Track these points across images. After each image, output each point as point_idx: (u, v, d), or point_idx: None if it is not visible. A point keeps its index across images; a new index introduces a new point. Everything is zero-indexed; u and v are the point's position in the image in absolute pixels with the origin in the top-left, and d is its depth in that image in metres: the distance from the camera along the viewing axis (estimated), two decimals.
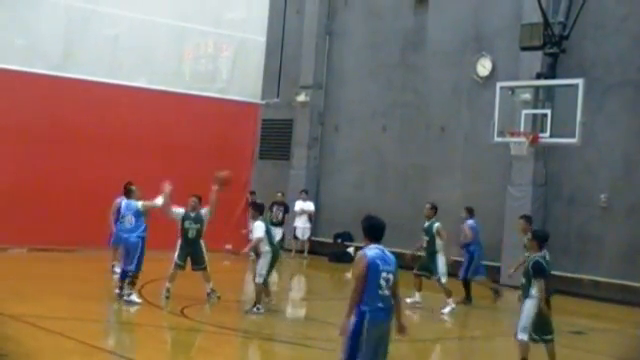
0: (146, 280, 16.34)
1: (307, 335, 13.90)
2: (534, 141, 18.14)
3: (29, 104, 20.99)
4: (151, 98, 23.03)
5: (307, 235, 25.30)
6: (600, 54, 20.52)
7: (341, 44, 26.95)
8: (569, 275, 20.03)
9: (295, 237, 25.37)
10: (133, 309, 14.23)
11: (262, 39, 25.25)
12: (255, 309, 14.71)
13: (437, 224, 16.80)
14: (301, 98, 27.10)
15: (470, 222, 17.88)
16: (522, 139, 18.18)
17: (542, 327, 11.25)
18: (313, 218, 25.43)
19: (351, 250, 17.60)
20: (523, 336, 11.16)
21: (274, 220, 24.75)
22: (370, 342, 8.27)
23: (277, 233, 24.73)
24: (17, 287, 15.34)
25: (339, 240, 25.29)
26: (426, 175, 23.84)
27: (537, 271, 11.11)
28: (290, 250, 25.45)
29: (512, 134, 18.45)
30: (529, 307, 11.10)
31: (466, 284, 17.63)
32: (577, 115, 17.16)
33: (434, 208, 17.12)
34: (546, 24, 19.05)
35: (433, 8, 24.31)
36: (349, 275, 17.08)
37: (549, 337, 11.42)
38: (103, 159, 21.68)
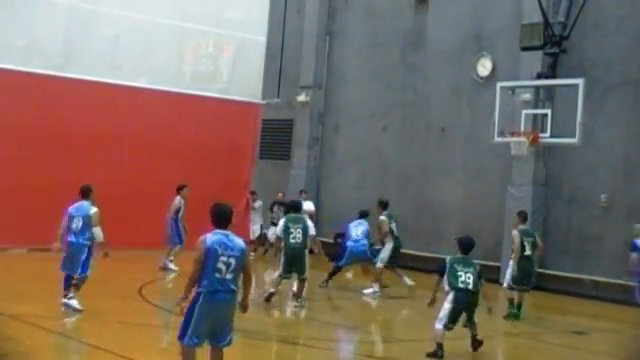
0: (146, 280, 16.36)
1: (308, 335, 13.92)
2: (534, 141, 18.13)
3: (29, 104, 20.97)
4: (152, 98, 23.02)
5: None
6: (600, 54, 20.51)
7: (341, 44, 26.94)
8: (569, 275, 20.06)
9: None
10: (136, 309, 14.21)
11: (262, 39, 25.24)
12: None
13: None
14: (301, 98, 27.10)
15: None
16: (522, 139, 18.17)
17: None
18: (313, 218, 25.40)
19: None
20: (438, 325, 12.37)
21: (274, 220, 24.75)
22: (202, 319, 8.67)
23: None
24: (17, 287, 15.35)
25: (339, 240, 25.25)
26: (427, 175, 23.83)
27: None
28: None
29: (512, 134, 18.44)
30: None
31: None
32: (577, 115, 17.16)
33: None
34: (546, 24, 19.05)
35: (433, 8, 24.31)
36: (349, 275, 17.08)
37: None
38: (103, 159, 21.65)
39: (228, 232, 8.89)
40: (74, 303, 13.40)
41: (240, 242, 8.87)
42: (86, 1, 22.38)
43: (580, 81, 17.41)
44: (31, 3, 21.65)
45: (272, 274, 23.22)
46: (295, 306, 16.24)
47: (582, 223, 20.27)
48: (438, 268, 12.71)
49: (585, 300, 18.78)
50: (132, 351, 11.05)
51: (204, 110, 23.92)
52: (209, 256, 8.70)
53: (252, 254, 24.10)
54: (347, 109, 26.49)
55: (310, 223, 16.44)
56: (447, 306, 12.36)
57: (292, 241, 16.29)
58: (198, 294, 8.73)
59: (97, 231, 13.57)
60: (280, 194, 25.05)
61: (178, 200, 19.48)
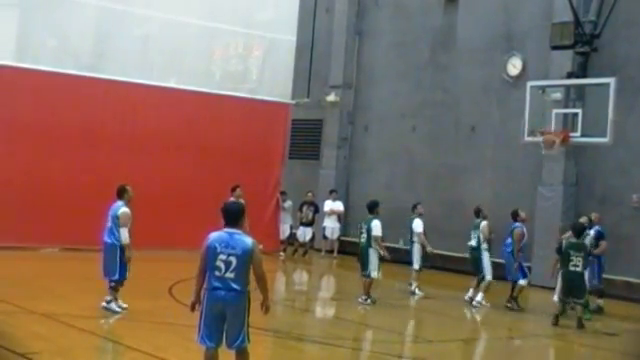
0: (176, 280, 16.44)
1: (337, 335, 13.92)
2: (565, 140, 18.04)
3: (60, 104, 21.13)
4: (181, 98, 23.10)
5: (336, 235, 25.30)
6: (632, 53, 20.36)
7: (371, 43, 26.93)
8: (602, 275, 19.92)
9: (324, 237, 25.39)
10: (166, 309, 14.29)
11: (292, 39, 25.25)
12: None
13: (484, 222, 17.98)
14: (331, 98, 27.11)
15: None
16: (553, 138, 18.09)
17: None
18: (342, 218, 25.43)
19: (385, 251, 17.66)
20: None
21: (304, 220, 24.82)
22: (208, 318, 8.77)
23: (307, 233, 24.85)
24: (49, 286, 15.47)
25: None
26: (456, 175, 23.77)
27: None
28: (320, 250, 25.50)
29: (543, 133, 18.35)
30: None
31: None
32: (608, 114, 17.05)
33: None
34: (577, 23, 18.95)
35: (463, 6, 24.24)
36: (376, 274, 17.03)
37: None
38: (134, 159, 21.76)
39: (235, 231, 8.84)
40: (113, 306, 13.41)
41: (246, 242, 8.77)
42: (116, 1, 22.52)
43: (611, 80, 17.30)
44: (62, 4, 21.83)
45: (301, 274, 23.42)
46: (360, 303, 16.51)
47: (614, 223, 20.08)
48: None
49: (617, 301, 18.64)
50: (163, 350, 11.11)
51: (234, 110, 23.97)
52: (209, 254, 8.75)
53: (282, 254, 24.21)
54: (376, 109, 26.47)
55: (375, 223, 16.49)
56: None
57: (360, 241, 16.96)
58: (205, 291, 8.81)
59: (123, 232, 13.45)
60: (309, 194, 25.10)
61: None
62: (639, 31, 20.32)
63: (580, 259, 15.41)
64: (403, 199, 23.76)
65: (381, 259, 16.80)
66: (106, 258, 13.58)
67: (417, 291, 18.35)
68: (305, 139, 28.38)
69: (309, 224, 24.87)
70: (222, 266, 8.70)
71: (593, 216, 17.77)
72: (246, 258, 8.73)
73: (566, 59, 20.20)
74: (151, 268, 18.05)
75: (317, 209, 24.98)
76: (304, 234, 24.84)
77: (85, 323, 12.57)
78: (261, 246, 24.98)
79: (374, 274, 16.58)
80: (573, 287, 15.47)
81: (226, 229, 8.89)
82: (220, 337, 8.82)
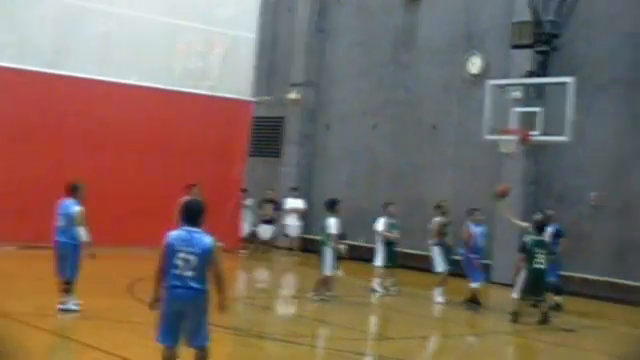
0: (136, 278, 16.33)
1: (298, 332, 13.91)
2: (525, 139, 18.16)
3: (19, 101, 20.93)
4: (142, 95, 22.98)
5: (298, 233, 25.31)
6: (591, 52, 20.56)
7: (332, 42, 26.95)
8: (559, 273, 20.08)
9: (285, 235, 25.39)
10: (127, 307, 14.19)
11: (253, 36, 25.18)
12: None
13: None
14: (292, 96, 27.10)
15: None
16: (512, 137, 18.20)
17: None
18: (304, 216, 25.44)
19: (342, 247, 17.67)
20: None
21: (265, 217, 24.80)
22: (167, 317, 8.71)
23: (268, 230, 24.84)
24: (7, 285, 15.31)
25: None
26: (418, 173, 23.87)
27: None
28: (281, 248, 25.50)
29: (503, 132, 18.46)
30: None
31: None
32: (567, 113, 17.18)
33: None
34: (537, 22, 19.08)
35: (424, 6, 24.34)
36: (340, 273, 17.08)
37: None
38: (93, 157, 21.62)
39: (195, 229, 8.79)
40: (71, 306, 13.18)
41: (206, 240, 8.74)
42: None
43: (570, 79, 17.43)
44: (22, 0, 21.58)
45: (262, 272, 23.40)
46: (312, 299, 16.59)
47: (572, 221, 20.27)
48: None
49: (575, 298, 18.81)
50: (123, 349, 11.04)
51: (195, 107, 23.88)
52: (168, 252, 8.69)
53: (243, 252, 24.17)
54: (338, 107, 26.50)
55: (331, 221, 16.49)
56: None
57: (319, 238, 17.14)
58: (164, 289, 8.74)
59: (81, 231, 13.18)
60: (270, 192, 25.08)
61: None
62: (598, 31, 20.54)
63: (544, 256, 15.55)
64: (365, 197, 23.87)
65: (338, 257, 16.83)
66: (61, 257, 13.25)
67: (377, 287, 18.46)
68: (266, 137, 28.36)
69: (270, 222, 24.86)
70: (181, 264, 8.64)
71: (549, 213, 17.91)
72: (206, 257, 8.69)
73: (526, 58, 20.35)
74: (111, 266, 17.92)
75: (278, 206, 24.98)
76: (265, 232, 24.83)
77: (44, 322, 12.46)
78: (222, 244, 25.03)
79: (326, 271, 16.57)
80: (537, 284, 15.58)
81: (186, 227, 8.84)
82: (178, 336, 8.77)
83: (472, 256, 17.38)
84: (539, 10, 19.38)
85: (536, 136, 18.05)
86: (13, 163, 20.70)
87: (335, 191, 23.27)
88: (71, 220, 13.21)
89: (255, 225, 24.99)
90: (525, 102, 18.95)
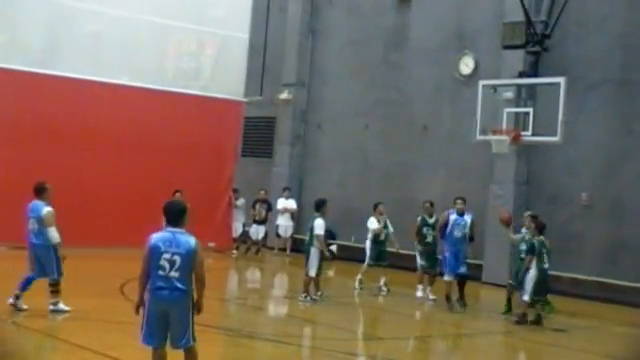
0: (127, 278, 16.30)
1: (288, 332, 13.92)
2: (516, 139, 18.18)
3: (10, 101, 20.90)
4: (133, 95, 22.96)
5: (289, 233, 25.28)
6: (582, 53, 20.60)
7: (324, 42, 26.95)
8: (550, 273, 20.11)
9: (278, 235, 25.37)
10: (116, 307, 14.16)
11: (245, 37, 25.19)
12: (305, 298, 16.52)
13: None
14: (284, 96, 27.09)
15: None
16: (504, 137, 18.22)
17: None
18: (295, 216, 25.42)
19: (334, 248, 17.68)
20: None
21: (256, 218, 24.78)
22: (151, 318, 8.72)
23: (260, 231, 24.81)
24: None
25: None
26: (409, 173, 23.88)
27: None
28: (272, 248, 25.48)
29: (494, 132, 18.48)
30: None
31: None
32: (559, 113, 17.19)
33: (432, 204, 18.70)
34: (528, 23, 19.09)
35: (416, 6, 24.35)
36: (331, 273, 17.10)
37: None
38: (84, 156, 21.60)
39: (178, 230, 8.84)
40: (61, 306, 13.13)
41: (189, 241, 8.78)
42: None
43: (562, 79, 17.45)
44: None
45: (254, 272, 23.39)
46: (299, 301, 16.57)
47: (563, 221, 20.33)
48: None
49: (565, 298, 18.85)
50: (114, 349, 11.03)
51: (186, 107, 23.87)
52: (153, 254, 8.70)
53: (235, 252, 24.17)
54: (330, 107, 26.50)
55: (317, 222, 16.49)
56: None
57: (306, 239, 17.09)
58: (148, 291, 8.75)
59: (51, 232, 13.06)
60: (262, 192, 25.07)
61: None
62: (589, 31, 20.58)
63: (548, 257, 15.66)
64: (356, 197, 23.87)
65: (323, 258, 16.83)
66: (39, 259, 13.14)
67: (357, 285, 18.63)
68: (258, 137, 28.35)
69: (262, 222, 24.84)
70: (166, 265, 8.67)
71: (528, 214, 17.86)
72: (190, 257, 8.73)
73: (517, 58, 20.35)
74: (102, 266, 17.91)
75: (270, 207, 24.95)
76: (257, 232, 24.80)
77: (34, 322, 12.44)
78: (213, 244, 25.14)
79: (312, 272, 16.52)
80: (545, 284, 15.71)
81: (169, 229, 8.86)
82: (163, 337, 8.78)
83: (444, 245, 17.42)
84: (530, 10, 19.40)
85: (527, 136, 18.07)
86: (3, 163, 20.63)
87: (326, 191, 23.32)
88: (42, 222, 13.08)
89: (247, 225, 24.97)
90: (516, 102, 18.99)
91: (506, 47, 19.85)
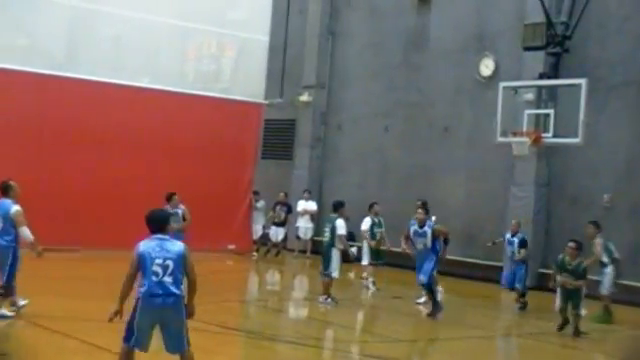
0: None
1: (309, 335, 13.91)
2: (537, 141, 18.11)
3: (31, 104, 20.99)
4: (154, 98, 23.02)
5: (310, 235, 25.27)
6: (603, 54, 20.49)
7: (344, 44, 26.95)
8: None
9: (298, 237, 25.37)
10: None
11: (265, 39, 25.22)
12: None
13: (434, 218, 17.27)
14: (304, 98, 27.11)
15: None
16: (525, 139, 18.16)
17: None
18: (316, 218, 25.41)
19: (354, 250, 17.67)
20: None
21: (276, 220, 24.80)
22: (142, 324, 8.71)
23: (279, 233, 24.85)
24: (18, 287, 15.32)
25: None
26: (429, 175, 23.82)
27: None
28: (292, 250, 25.48)
29: (515, 134, 18.42)
30: None
31: None
32: (580, 115, 17.13)
33: (425, 205, 17.59)
34: (549, 24, 19.03)
35: (436, 7, 24.30)
36: (351, 275, 17.07)
37: None
38: (106, 159, 21.68)
39: (164, 236, 8.90)
40: (4, 312, 12.65)
41: (178, 246, 8.88)
42: (89, 1, 22.37)
43: (583, 81, 17.38)
44: (33, 3, 21.63)
45: (274, 274, 23.40)
46: (320, 303, 16.52)
47: (585, 223, 20.20)
48: None
49: (588, 300, 18.73)
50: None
51: (206, 110, 23.92)
52: (143, 261, 8.73)
53: (255, 254, 24.20)
54: (350, 109, 26.49)
55: (339, 223, 16.46)
56: None
57: (323, 239, 17.01)
58: (139, 297, 8.74)
59: (24, 231, 12.66)
60: (282, 194, 25.08)
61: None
62: (610, 32, 20.47)
63: None
64: (376, 199, 23.77)
65: (345, 259, 16.84)
66: None
67: (370, 285, 18.78)
68: (278, 139, 28.38)
69: (281, 224, 24.86)
70: (160, 271, 8.70)
71: (515, 222, 18.25)
72: (181, 261, 8.79)
73: (538, 60, 20.28)
74: (123, 268, 17.94)
75: (290, 209, 24.97)
76: (276, 234, 24.83)
77: (55, 324, 12.48)
78: (234, 246, 25.16)
79: (335, 274, 16.51)
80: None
81: (154, 236, 8.91)
82: (148, 343, 8.83)
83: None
84: (551, 11, 19.33)
85: (548, 138, 18.01)
86: (21, 166, 20.67)
87: (346, 193, 23.36)
88: (8, 221, 12.67)
89: (267, 228, 25.00)
90: (537, 104, 18.94)
91: (527, 48, 19.80)
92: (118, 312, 8.83)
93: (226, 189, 23.92)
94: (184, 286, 8.86)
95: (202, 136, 23.58)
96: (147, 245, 8.83)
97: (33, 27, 21.92)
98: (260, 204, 24.94)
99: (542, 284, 19.50)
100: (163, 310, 8.70)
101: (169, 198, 18.86)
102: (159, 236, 8.91)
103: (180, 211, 18.84)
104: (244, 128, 24.81)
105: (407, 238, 16.76)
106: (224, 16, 25.06)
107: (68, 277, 17.08)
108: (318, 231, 25.29)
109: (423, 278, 16.19)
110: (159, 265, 8.70)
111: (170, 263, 8.73)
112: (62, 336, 12.16)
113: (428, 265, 16.09)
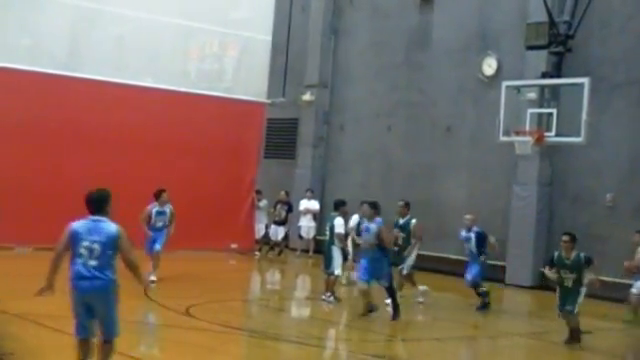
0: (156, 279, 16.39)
1: (312, 334, 13.92)
2: (540, 140, 18.10)
3: (35, 103, 21.01)
4: (157, 97, 23.04)
5: (312, 234, 25.28)
6: (606, 53, 20.49)
7: (346, 43, 26.95)
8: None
9: (300, 236, 25.38)
10: (139, 308, 14.21)
11: (268, 38, 25.24)
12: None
13: (414, 220, 17.24)
14: (307, 97, 27.12)
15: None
16: (527, 138, 18.15)
17: None
18: (318, 217, 25.41)
19: (350, 249, 17.72)
20: None
21: (277, 219, 24.82)
22: (77, 305, 8.65)
23: (279, 231, 24.86)
24: (21, 286, 15.29)
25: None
26: (432, 174, 23.82)
27: None
28: (295, 249, 25.49)
29: (518, 133, 18.41)
30: None
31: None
32: (583, 114, 17.11)
33: (408, 205, 17.59)
34: (552, 23, 19.01)
35: (438, 6, 24.29)
36: (340, 272, 16.96)
37: None
38: (109, 158, 21.68)
39: (100, 218, 8.73)
40: None
41: (111, 228, 8.67)
42: (92, 0, 22.38)
43: (585, 80, 17.37)
44: (36, 2, 21.66)
45: (276, 273, 23.41)
46: (322, 299, 16.54)
47: (587, 222, 20.22)
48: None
49: (591, 300, 18.72)
50: (136, 350, 11.06)
51: (209, 109, 23.94)
52: (72, 240, 8.62)
53: (257, 253, 24.21)
54: (352, 108, 26.49)
55: (337, 221, 16.45)
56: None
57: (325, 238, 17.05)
58: (70, 282, 8.65)
59: None
60: (282, 193, 25.09)
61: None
62: (612, 32, 20.47)
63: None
64: (378, 198, 23.70)
65: (345, 257, 16.84)
66: None
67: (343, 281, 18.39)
68: (281, 138, 28.39)
69: (282, 223, 24.87)
70: (85, 253, 8.57)
71: (469, 217, 17.41)
72: (111, 245, 8.60)
73: (541, 59, 20.28)
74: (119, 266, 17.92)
75: (290, 208, 24.97)
76: (276, 233, 24.85)
77: (57, 322, 12.47)
78: (236, 245, 25.16)
79: (337, 271, 16.54)
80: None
81: (91, 217, 8.77)
82: (92, 328, 8.71)
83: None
84: (554, 11, 19.32)
85: (551, 137, 18.00)
86: (26, 166, 20.74)
87: (349, 192, 23.35)
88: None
89: (269, 227, 25.03)
90: (540, 103, 18.93)
91: (529, 48, 19.78)
92: (45, 289, 8.70)
93: (229, 188, 23.93)
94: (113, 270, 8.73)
95: (205, 135, 23.59)
96: (79, 225, 8.70)
97: (36, 27, 21.94)
98: (263, 203, 24.97)
99: (547, 284, 19.47)
100: (90, 294, 8.54)
101: (158, 195, 17.98)
102: (95, 217, 8.73)
103: (168, 210, 18.00)
104: (247, 127, 24.83)
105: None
106: (226, 15, 25.07)
107: (66, 276, 17.06)
108: (320, 230, 25.34)
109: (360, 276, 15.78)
110: (86, 248, 8.55)
111: (97, 246, 8.54)
112: (63, 334, 12.16)
113: (374, 266, 15.24)
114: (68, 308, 12.94)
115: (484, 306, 16.90)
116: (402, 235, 17.19)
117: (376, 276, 15.18)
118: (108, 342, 8.78)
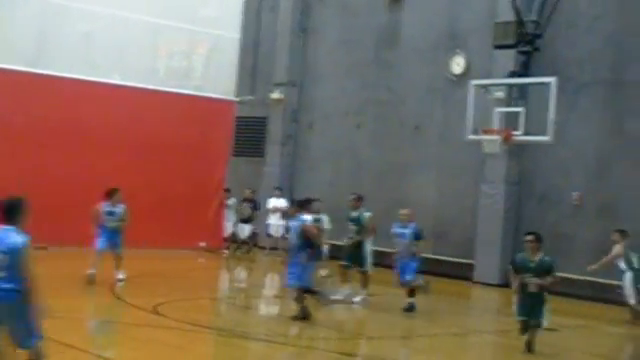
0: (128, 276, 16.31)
1: (280, 332, 13.90)
2: (507, 139, 18.18)
3: (1, 100, 20.83)
4: (125, 95, 22.93)
5: (280, 232, 25.23)
6: (573, 53, 20.65)
7: (316, 41, 26.96)
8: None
9: (268, 234, 25.34)
10: (106, 306, 14.15)
11: (236, 36, 25.20)
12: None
13: (368, 214, 17.17)
14: (275, 95, 27.10)
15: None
16: (495, 137, 18.22)
17: None
18: (286, 215, 25.36)
19: (325, 248, 17.65)
20: None
21: (242, 217, 24.80)
22: None
23: (245, 229, 24.83)
24: None
25: None
26: (401, 173, 23.89)
27: None
28: (264, 247, 25.45)
29: (486, 132, 18.48)
30: None
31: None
32: (550, 113, 17.20)
33: (360, 199, 17.50)
34: (519, 22, 19.10)
35: (408, 5, 24.36)
36: (323, 272, 17.05)
37: None
38: (77, 156, 21.56)
39: (9, 227, 8.14)
40: None
41: (15, 239, 8.07)
42: None
43: (552, 79, 17.46)
44: None
45: (244, 272, 23.38)
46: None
47: (554, 221, 20.38)
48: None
49: (556, 297, 18.85)
50: (104, 349, 11.01)
51: (178, 107, 23.86)
52: None
53: (225, 251, 24.16)
54: (321, 106, 26.50)
55: (324, 218, 16.52)
56: None
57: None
58: None
59: None
60: (247, 191, 25.05)
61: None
62: (579, 32, 20.63)
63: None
64: (347, 197, 23.82)
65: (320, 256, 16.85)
66: None
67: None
68: (249, 136, 28.34)
69: (247, 221, 24.83)
70: None
71: (405, 212, 16.72)
72: (15, 256, 8.06)
73: (509, 58, 20.36)
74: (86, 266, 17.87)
75: (256, 206, 24.92)
76: (242, 231, 24.81)
77: None
78: (204, 243, 25.07)
79: (322, 272, 16.65)
80: None
81: (3, 227, 8.20)
82: (6, 338, 8.21)
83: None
84: (522, 10, 19.42)
85: (518, 136, 18.06)
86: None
87: (318, 191, 23.36)
88: None
89: (235, 225, 25.00)
90: (508, 102, 18.98)
91: (497, 47, 19.86)
92: None
93: (197, 186, 23.88)
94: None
95: (173, 133, 23.51)
96: None
97: (3, 23, 21.75)
98: (231, 201, 24.93)
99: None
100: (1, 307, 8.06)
101: (111, 194, 17.17)
102: (4, 227, 8.16)
103: (120, 209, 17.29)
104: (216, 125, 24.78)
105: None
106: (195, 13, 24.99)
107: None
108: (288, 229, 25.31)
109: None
110: None
111: (2, 257, 8.02)
112: None
113: (304, 267, 14.69)
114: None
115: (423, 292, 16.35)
116: (354, 228, 17.13)
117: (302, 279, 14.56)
118: (32, 350, 8.31)
